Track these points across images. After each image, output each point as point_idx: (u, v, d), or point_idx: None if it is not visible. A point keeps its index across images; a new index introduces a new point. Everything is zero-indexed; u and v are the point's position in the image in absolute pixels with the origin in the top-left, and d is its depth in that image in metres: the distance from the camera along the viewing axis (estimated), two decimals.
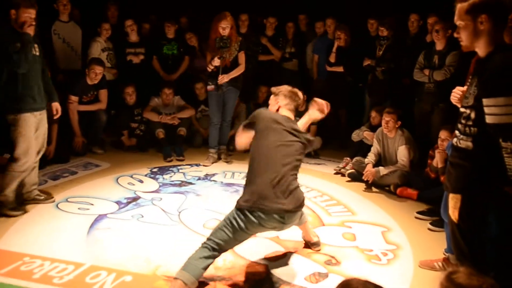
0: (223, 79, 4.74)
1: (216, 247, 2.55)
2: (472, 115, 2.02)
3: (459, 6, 2.01)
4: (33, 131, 3.54)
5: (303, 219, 2.96)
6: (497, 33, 1.98)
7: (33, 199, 3.77)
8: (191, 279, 2.44)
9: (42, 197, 3.83)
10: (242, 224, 2.52)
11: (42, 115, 3.63)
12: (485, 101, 1.92)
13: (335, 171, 4.88)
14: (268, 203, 2.49)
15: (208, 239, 2.59)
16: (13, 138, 3.49)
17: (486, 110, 1.92)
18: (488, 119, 1.91)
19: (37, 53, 3.53)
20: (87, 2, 6.21)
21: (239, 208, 2.56)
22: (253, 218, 2.50)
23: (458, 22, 2.04)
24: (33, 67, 3.47)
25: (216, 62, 4.70)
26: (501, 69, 1.90)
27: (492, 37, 1.98)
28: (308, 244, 3.15)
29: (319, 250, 3.12)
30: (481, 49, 2.04)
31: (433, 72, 4.47)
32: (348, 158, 4.92)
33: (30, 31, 3.40)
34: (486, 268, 2.10)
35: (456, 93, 2.29)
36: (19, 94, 3.43)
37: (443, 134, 3.83)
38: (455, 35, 2.11)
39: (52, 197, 3.88)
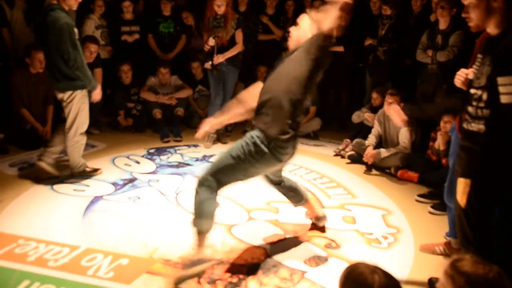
0: (218, 59, 4.63)
1: (218, 178, 2.44)
2: (484, 96, 1.94)
3: None
4: None
5: (304, 197, 2.96)
6: (509, 9, 1.90)
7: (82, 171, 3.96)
8: (210, 225, 2.51)
9: (90, 169, 4.00)
10: (253, 151, 2.39)
11: None
12: (500, 80, 1.84)
13: (334, 153, 4.82)
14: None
15: (209, 174, 2.46)
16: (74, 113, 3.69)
17: (501, 89, 1.84)
18: (503, 99, 1.84)
19: None
20: None
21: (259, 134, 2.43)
22: (268, 149, 2.39)
23: (468, 0, 1.95)
24: None
25: (211, 42, 4.59)
26: None
27: (504, 16, 1.90)
28: (315, 221, 3.11)
29: (323, 226, 3.09)
30: (492, 28, 1.95)
31: (436, 53, 4.37)
32: (348, 140, 4.86)
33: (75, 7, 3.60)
34: (491, 253, 2.06)
35: (460, 76, 2.21)
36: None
37: (445, 117, 3.76)
38: (463, 14, 2.01)
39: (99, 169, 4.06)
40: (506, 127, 1.87)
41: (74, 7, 3.59)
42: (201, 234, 2.53)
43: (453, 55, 4.26)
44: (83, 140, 3.85)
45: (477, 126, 1.98)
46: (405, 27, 5.20)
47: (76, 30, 3.56)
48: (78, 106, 3.68)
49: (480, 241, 2.06)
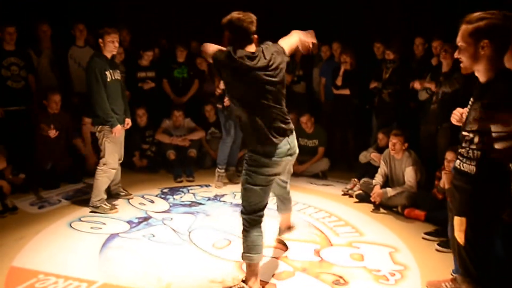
0: (228, 100, 4.86)
1: (254, 209, 2.76)
2: (476, 139, 2.03)
3: (464, 28, 2.02)
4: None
5: (290, 207, 3.40)
6: (497, 58, 1.99)
7: (116, 193, 4.54)
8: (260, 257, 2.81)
9: (124, 193, 4.57)
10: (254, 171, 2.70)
11: None
12: (493, 127, 1.92)
13: (343, 192, 4.93)
14: None
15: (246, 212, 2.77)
16: (103, 146, 4.17)
17: (494, 135, 1.92)
18: (497, 145, 1.91)
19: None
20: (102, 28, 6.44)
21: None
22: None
23: (460, 43, 2.05)
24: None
25: (222, 85, 4.84)
26: (506, 98, 1.91)
27: (492, 62, 1.99)
28: (286, 231, 3.49)
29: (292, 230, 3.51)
30: (481, 74, 2.05)
31: (441, 87, 4.51)
32: (356, 180, 4.97)
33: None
34: (493, 285, 2.12)
35: (456, 115, 2.33)
36: None
37: (449, 155, 3.88)
38: (456, 55, 2.12)
39: (131, 194, 4.61)
40: (496, 169, 1.96)
41: (114, 52, 4.13)
42: (254, 265, 2.80)
43: (458, 84, 4.31)
44: (109, 173, 4.18)
45: (468, 167, 2.07)
46: (408, 70, 5.42)
47: (108, 72, 4.02)
48: (104, 140, 4.10)
49: (481, 273, 2.12)
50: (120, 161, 4.40)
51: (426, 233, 3.76)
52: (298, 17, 7.12)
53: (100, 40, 4.00)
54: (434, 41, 5.12)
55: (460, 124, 2.28)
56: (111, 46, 4.02)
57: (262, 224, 2.80)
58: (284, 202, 3.32)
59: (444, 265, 3.20)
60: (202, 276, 3.03)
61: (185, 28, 7.29)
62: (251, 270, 2.79)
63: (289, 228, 3.50)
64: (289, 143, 2.74)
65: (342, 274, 3.10)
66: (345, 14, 6.86)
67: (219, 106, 4.99)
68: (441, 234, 3.61)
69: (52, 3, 6.09)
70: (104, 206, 4.16)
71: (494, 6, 2.06)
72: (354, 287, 2.94)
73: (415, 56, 5.54)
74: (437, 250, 3.49)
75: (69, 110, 5.27)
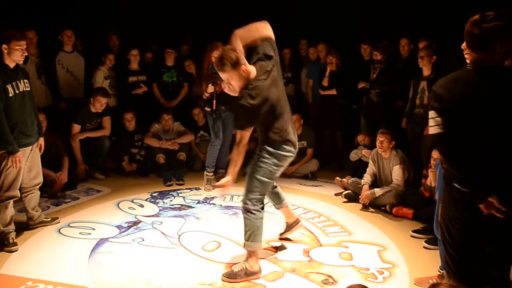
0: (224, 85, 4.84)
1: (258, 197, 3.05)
2: None
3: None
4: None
5: (285, 201, 3.54)
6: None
7: (41, 222, 3.92)
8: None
9: (49, 219, 3.99)
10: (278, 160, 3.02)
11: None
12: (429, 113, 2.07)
13: (336, 182, 4.95)
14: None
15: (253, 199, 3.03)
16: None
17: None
18: (430, 130, 2.07)
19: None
20: (90, 32, 6.45)
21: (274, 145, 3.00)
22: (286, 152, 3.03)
23: None
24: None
25: (210, 89, 4.84)
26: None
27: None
28: (290, 225, 3.60)
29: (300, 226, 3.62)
30: None
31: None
32: (349, 176, 4.98)
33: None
34: (476, 283, 2.16)
35: None
36: None
37: (435, 154, 3.92)
38: (463, 46, 2.15)
39: (57, 218, 4.06)
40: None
41: (20, 61, 3.45)
42: (255, 253, 3.08)
43: None
44: (7, 204, 3.52)
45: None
46: (395, 71, 5.48)
47: (10, 86, 3.35)
48: (3, 166, 3.42)
49: (461, 271, 2.17)
50: (39, 185, 3.85)
51: (414, 231, 3.80)
52: (285, 18, 7.18)
53: (5, 46, 3.31)
54: (420, 42, 5.18)
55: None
56: (18, 55, 3.35)
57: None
58: (278, 195, 3.49)
59: (432, 262, 3.24)
60: (192, 279, 3.04)
61: (175, 32, 7.27)
62: (252, 252, 3.06)
63: (296, 222, 3.60)
64: None
65: (331, 273, 3.13)
66: (332, 16, 6.92)
67: (208, 109, 5.00)
68: (428, 231, 3.65)
69: (39, 9, 6.07)
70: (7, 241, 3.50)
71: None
72: (343, 286, 2.96)
73: (401, 57, 5.60)
74: (425, 248, 3.54)
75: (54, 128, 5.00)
